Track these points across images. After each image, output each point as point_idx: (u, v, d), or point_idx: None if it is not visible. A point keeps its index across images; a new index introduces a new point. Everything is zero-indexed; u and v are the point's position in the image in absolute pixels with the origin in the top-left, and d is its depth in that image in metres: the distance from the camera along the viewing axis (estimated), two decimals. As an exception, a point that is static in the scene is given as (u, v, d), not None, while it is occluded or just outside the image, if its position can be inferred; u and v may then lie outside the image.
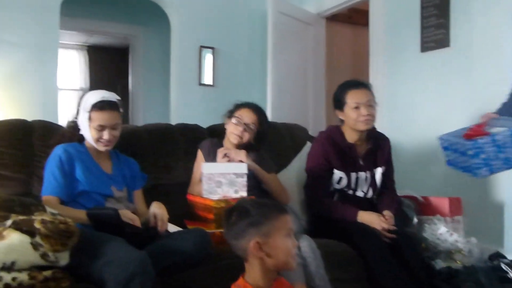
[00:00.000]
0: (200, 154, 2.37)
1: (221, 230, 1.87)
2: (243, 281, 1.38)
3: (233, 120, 2.33)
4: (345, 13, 4.81)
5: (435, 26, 3.08)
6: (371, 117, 2.24)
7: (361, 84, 2.30)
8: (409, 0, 3.29)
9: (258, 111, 2.40)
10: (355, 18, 5.03)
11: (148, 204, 1.97)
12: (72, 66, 6.64)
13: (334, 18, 4.78)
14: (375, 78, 3.52)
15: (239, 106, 2.41)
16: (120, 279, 1.43)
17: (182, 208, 2.22)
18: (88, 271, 1.53)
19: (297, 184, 2.49)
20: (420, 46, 3.20)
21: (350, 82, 2.34)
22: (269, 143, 2.72)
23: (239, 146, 2.31)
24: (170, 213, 2.00)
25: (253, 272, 1.38)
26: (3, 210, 1.58)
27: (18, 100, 3.44)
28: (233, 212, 1.38)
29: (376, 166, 2.36)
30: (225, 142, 2.39)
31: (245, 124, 2.32)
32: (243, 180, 2.04)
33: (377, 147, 2.36)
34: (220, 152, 2.23)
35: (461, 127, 2.20)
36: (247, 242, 1.31)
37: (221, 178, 2.02)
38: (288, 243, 1.34)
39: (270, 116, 3.74)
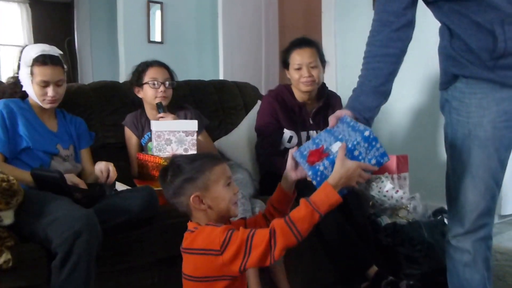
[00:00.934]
0: (128, 132, 2.29)
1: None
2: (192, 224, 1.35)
3: (150, 84, 2.23)
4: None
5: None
6: (313, 78, 2.24)
7: (305, 43, 2.28)
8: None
9: (165, 65, 2.34)
10: (309, -25, 4.99)
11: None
12: (13, 21, 6.23)
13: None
14: (327, 36, 3.54)
15: (144, 69, 2.28)
16: (66, 237, 1.43)
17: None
18: (33, 230, 1.52)
19: (248, 143, 2.51)
20: (372, 3, 3.20)
21: (295, 41, 2.32)
22: (219, 100, 2.74)
23: (169, 107, 2.26)
24: (119, 172, 2.00)
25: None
26: None
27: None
28: (167, 171, 1.36)
29: (326, 125, 2.39)
30: (148, 111, 2.31)
31: (162, 83, 2.23)
32: (193, 139, 2.04)
33: (327, 105, 2.37)
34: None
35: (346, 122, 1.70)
36: (187, 198, 1.31)
37: (170, 136, 2.01)
38: (228, 192, 1.33)
39: (222, 75, 3.75)
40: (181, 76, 2.89)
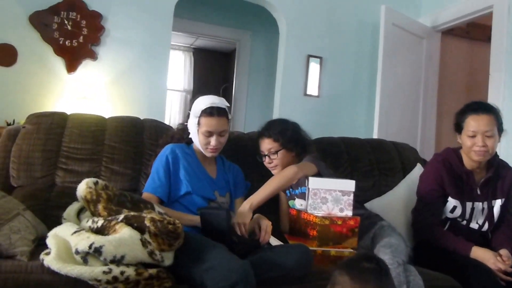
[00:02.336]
0: None
1: (323, 249, 1.85)
2: None
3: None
4: (462, 27, 4.61)
5: None
6: (487, 148, 2.08)
7: (483, 109, 2.13)
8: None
9: (268, 131, 2.28)
10: (473, 33, 4.80)
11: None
12: (177, 67, 6.90)
13: (450, 32, 4.59)
14: (494, 99, 3.32)
15: (257, 140, 2.33)
16: (222, 286, 1.44)
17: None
18: (189, 274, 1.55)
19: (404, 207, 2.40)
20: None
21: (472, 105, 2.17)
22: (375, 160, 2.64)
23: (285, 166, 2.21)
24: (272, 225, 2.01)
25: None
26: (116, 205, 1.67)
27: (128, 96, 3.65)
28: (368, 262, 1.29)
29: (495, 197, 2.20)
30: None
31: (267, 155, 2.26)
32: (349, 199, 1.98)
33: (497, 176, 2.20)
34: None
35: None
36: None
37: (327, 195, 1.97)
38: None
39: (376, 132, 3.65)
40: (333, 131, 2.90)
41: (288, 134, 2.26)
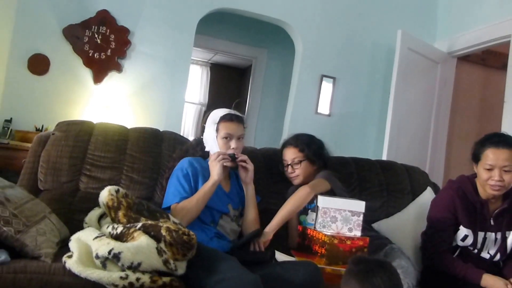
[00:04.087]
0: None
1: (333, 268, 1.87)
2: None
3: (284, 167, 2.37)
4: (477, 54, 4.58)
5: None
6: (504, 184, 2.01)
7: (504, 143, 2.02)
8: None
9: (295, 141, 2.35)
10: (489, 60, 4.76)
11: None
12: (194, 80, 7.04)
13: (465, 59, 4.57)
14: (508, 127, 3.28)
15: (281, 149, 2.40)
16: (233, 299, 1.46)
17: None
18: (201, 284, 1.57)
19: (412, 230, 2.39)
20: None
21: (493, 138, 2.08)
22: (385, 181, 2.66)
23: (306, 180, 2.27)
24: (278, 241, 2.05)
25: None
26: (135, 212, 1.73)
27: (148, 108, 3.74)
28: (364, 264, 1.36)
29: (509, 229, 2.13)
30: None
31: (289, 165, 2.32)
32: (359, 219, 1.99)
33: None
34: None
35: None
36: None
37: (336, 214, 1.99)
38: None
39: (386, 153, 3.66)
40: (342, 149, 2.91)
41: (313, 147, 2.33)
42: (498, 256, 2.14)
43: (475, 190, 2.14)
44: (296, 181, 2.31)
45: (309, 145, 2.32)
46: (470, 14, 4.00)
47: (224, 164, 2.03)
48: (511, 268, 2.10)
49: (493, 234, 2.12)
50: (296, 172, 2.30)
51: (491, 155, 2.03)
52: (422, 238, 2.27)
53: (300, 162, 2.30)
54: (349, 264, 1.43)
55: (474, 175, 2.17)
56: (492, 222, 2.12)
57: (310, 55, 4.13)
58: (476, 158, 2.12)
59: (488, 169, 2.03)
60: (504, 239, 2.14)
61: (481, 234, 2.12)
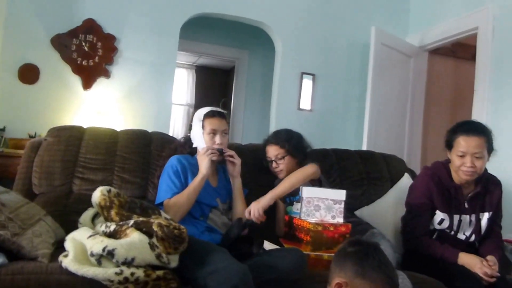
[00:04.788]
0: None
1: (317, 253, 1.89)
2: None
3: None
4: (448, 47, 4.63)
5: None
6: (475, 169, 2.03)
7: (475, 130, 2.05)
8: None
9: (275, 139, 2.38)
10: (459, 52, 4.83)
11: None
12: (180, 83, 7.03)
13: (436, 52, 4.62)
14: (477, 116, 3.34)
15: (264, 147, 2.43)
16: (223, 288, 1.47)
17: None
18: (193, 275, 1.59)
19: (392, 215, 2.42)
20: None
21: (464, 126, 2.10)
22: (364, 170, 2.68)
23: (290, 173, 2.28)
24: (267, 230, 2.06)
25: None
26: (127, 210, 1.72)
27: (137, 111, 3.72)
28: (361, 245, 1.39)
29: (483, 211, 2.16)
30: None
31: (273, 161, 2.35)
32: (340, 207, 2.02)
33: (485, 190, 2.16)
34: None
35: None
36: (337, 275, 1.31)
37: (319, 203, 2.01)
38: None
39: (365, 144, 3.69)
40: (324, 142, 2.93)
41: (293, 142, 2.36)
42: (473, 237, 2.17)
43: (449, 176, 2.16)
44: (281, 175, 2.34)
45: (289, 141, 2.35)
46: (440, 8, 4.04)
47: (212, 158, 2.05)
48: (486, 247, 2.13)
49: (468, 216, 2.14)
50: (280, 167, 2.34)
51: (462, 143, 2.05)
52: (402, 222, 2.29)
53: (283, 157, 2.33)
54: (344, 247, 1.44)
55: (448, 161, 2.19)
56: (466, 205, 2.15)
57: (290, 54, 4.13)
58: (449, 145, 2.14)
59: (461, 156, 2.06)
60: (478, 221, 2.16)
61: (456, 217, 2.14)
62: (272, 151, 2.36)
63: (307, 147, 2.44)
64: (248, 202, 2.27)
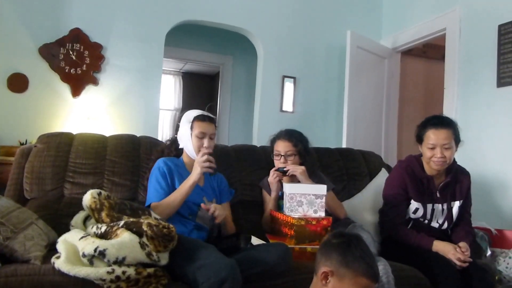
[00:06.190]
0: (264, 193, 2.38)
1: (300, 246, 1.90)
2: None
3: (275, 156, 2.35)
4: (419, 48, 4.71)
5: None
6: (445, 159, 2.09)
7: (442, 124, 2.11)
8: (486, 36, 3.17)
9: (290, 136, 2.35)
10: (430, 52, 4.90)
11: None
12: (167, 89, 7.01)
13: (409, 53, 4.69)
14: (448, 112, 3.40)
15: (274, 140, 2.40)
16: (212, 282, 1.47)
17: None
18: (183, 272, 1.59)
19: (371, 207, 2.45)
20: (497, 81, 3.04)
21: (432, 120, 2.16)
22: (344, 166, 2.71)
23: (293, 178, 2.27)
24: (253, 225, 2.06)
25: None
26: (117, 212, 1.71)
27: (125, 117, 3.68)
28: (344, 237, 1.42)
29: (454, 200, 2.21)
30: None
31: (283, 156, 2.31)
32: (322, 201, 2.03)
33: (455, 180, 2.21)
34: (273, 171, 2.26)
35: None
36: (323, 265, 1.34)
37: (302, 198, 2.02)
38: None
39: (345, 142, 3.72)
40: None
41: (304, 143, 2.36)
42: (446, 225, 2.22)
43: (422, 168, 2.21)
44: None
45: (302, 141, 2.35)
46: (411, 11, 4.09)
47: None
48: (458, 234, 2.19)
49: (440, 205, 2.19)
50: (288, 163, 2.30)
51: (432, 136, 2.11)
52: (379, 214, 2.33)
53: (293, 155, 2.31)
54: (329, 239, 1.46)
55: (420, 155, 2.24)
56: (438, 195, 2.19)
57: (271, 58, 4.14)
58: (419, 139, 2.19)
59: (431, 148, 2.11)
60: (450, 209, 2.21)
61: (429, 206, 2.18)
62: (284, 147, 2.32)
63: (310, 152, 2.44)
64: (236, 202, 2.29)
